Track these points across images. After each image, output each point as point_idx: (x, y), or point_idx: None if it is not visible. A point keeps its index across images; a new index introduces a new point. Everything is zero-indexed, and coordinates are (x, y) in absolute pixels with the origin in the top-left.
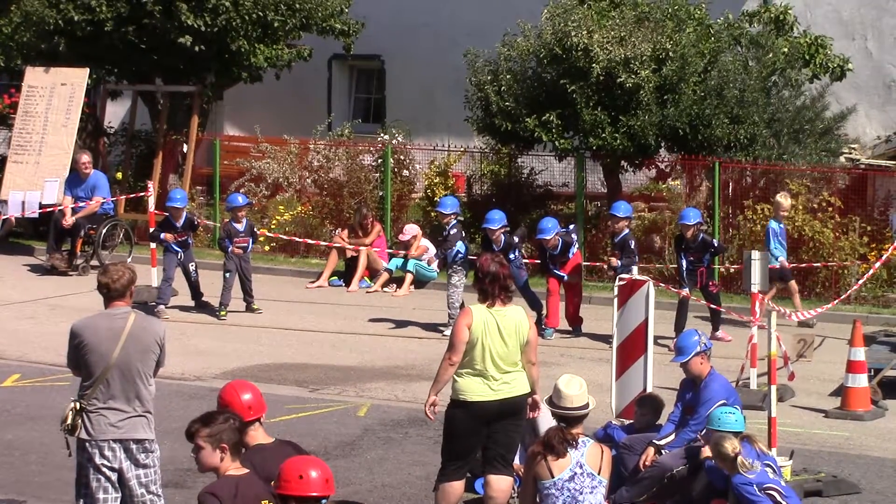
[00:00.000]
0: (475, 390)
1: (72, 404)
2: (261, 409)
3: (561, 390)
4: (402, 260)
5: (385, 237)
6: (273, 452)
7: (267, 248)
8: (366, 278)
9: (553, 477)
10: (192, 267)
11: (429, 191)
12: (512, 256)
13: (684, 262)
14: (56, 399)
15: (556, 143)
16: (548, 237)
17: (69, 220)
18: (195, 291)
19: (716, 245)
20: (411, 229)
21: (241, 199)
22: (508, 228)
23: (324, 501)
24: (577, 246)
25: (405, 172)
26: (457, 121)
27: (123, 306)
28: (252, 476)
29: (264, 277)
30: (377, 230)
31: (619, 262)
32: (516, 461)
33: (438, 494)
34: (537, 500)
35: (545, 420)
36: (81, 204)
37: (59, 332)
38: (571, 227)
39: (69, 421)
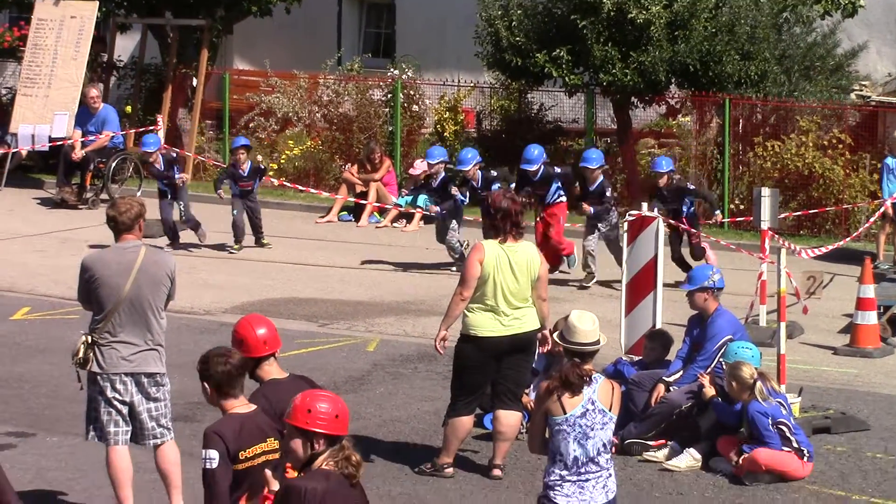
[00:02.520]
0: (486, 325)
1: (83, 338)
2: (275, 344)
3: (574, 325)
4: (411, 196)
5: (394, 172)
6: (287, 387)
7: (276, 182)
8: (375, 213)
9: (565, 413)
10: (181, 206)
11: (438, 126)
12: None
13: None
14: (66, 332)
15: (566, 78)
16: (532, 168)
17: (79, 154)
18: (173, 233)
19: (691, 188)
20: (421, 165)
21: (241, 141)
22: (484, 165)
23: (340, 440)
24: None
25: (415, 108)
26: (467, 56)
27: (134, 240)
28: (258, 414)
29: (274, 212)
30: (387, 165)
31: (593, 209)
32: (526, 396)
33: (448, 429)
34: (547, 435)
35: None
36: (91, 137)
37: (68, 266)
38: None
39: (81, 354)
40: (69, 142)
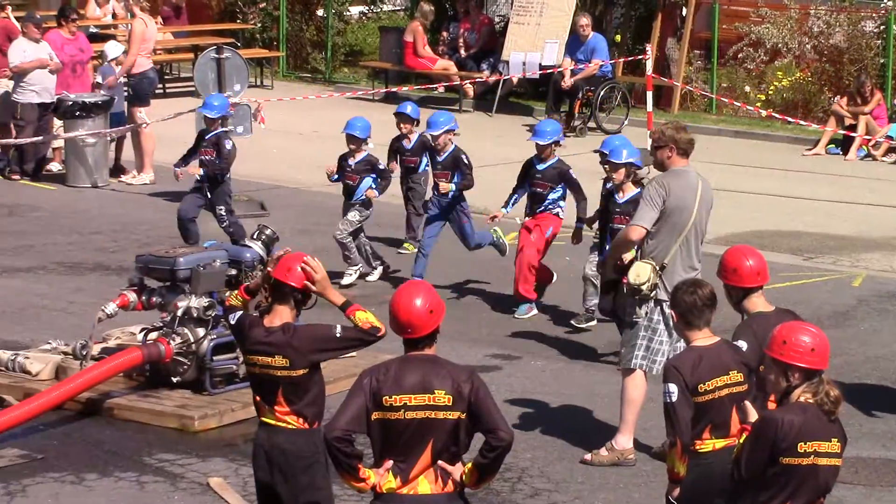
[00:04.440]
0: None
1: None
2: (765, 277)
3: None
4: None
5: (885, 105)
6: (773, 320)
7: (764, 113)
8: (864, 147)
9: None
10: (220, 211)
11: None
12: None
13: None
14: (553, 258)
15: None
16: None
17: (568, 82)
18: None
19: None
20: None
21: (409, 109)
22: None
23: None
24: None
25: None
26: None
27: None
28: (720, 346)
29: (761, 143)
30: (877, 98)
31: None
32: None
33: None
34: None
35: None
36: (580, 66)
37: None
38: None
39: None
40: (559, 70)
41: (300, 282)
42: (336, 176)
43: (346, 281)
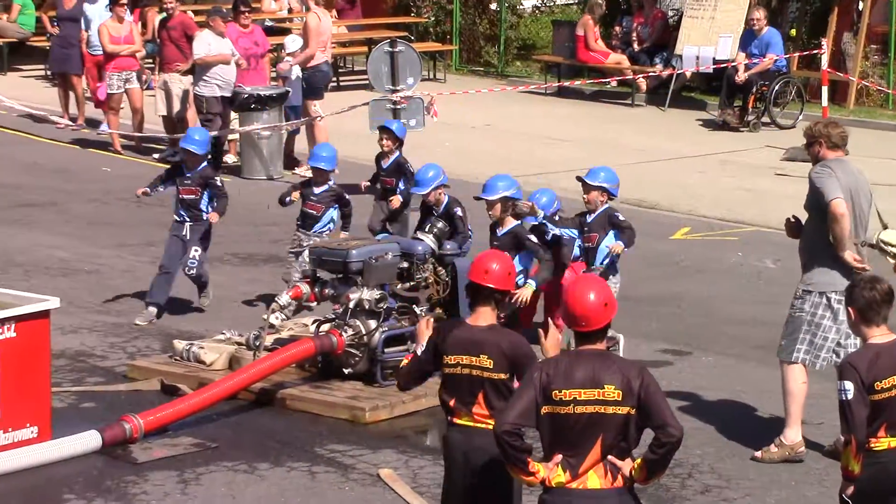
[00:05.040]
0: None
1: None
2: None
3: None
4: None
5: None
6: None
7: None
8: None
9: None
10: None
11: None
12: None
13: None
14: (723, 254)
15: None
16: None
17: (742, 77)
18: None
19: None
20: None
21: (395, 126)
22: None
23: None
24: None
25: None
26: None
27: None
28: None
29: None
30: None
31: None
32: None
33: None
34: None
35: None
36: (754, 60)
37: (728, 188)
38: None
39: None
40: (733, 64)
41: (500, 283)
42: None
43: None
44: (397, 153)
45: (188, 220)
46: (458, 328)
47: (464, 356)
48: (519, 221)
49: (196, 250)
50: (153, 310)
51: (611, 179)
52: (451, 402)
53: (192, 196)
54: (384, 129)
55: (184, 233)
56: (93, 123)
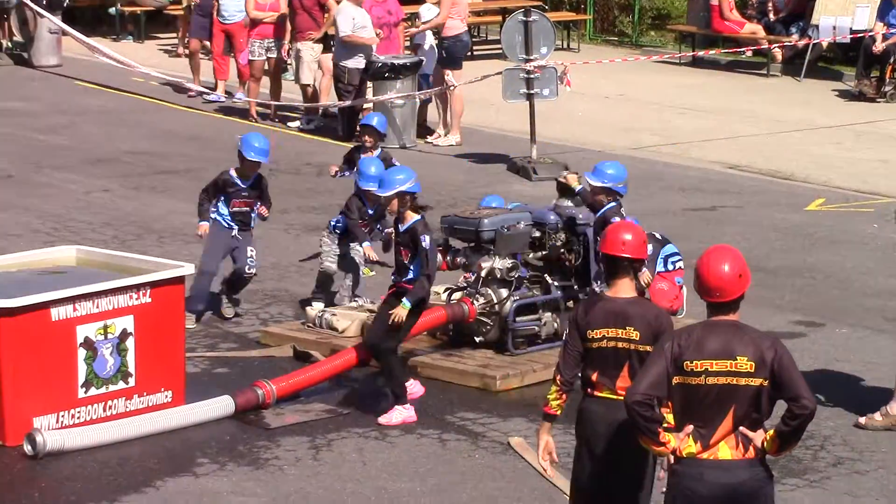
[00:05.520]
0: None
1: None
2: None
3: None
4: None
5: None
6: None
7: None
8: None
9: None
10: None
11: None
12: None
13: None
14: (858, 225)
15: None
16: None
17: (879, 47)
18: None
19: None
20: None
21: (375, 121)
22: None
23: None
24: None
25: None
26: None
27: None
28: None
29: None
30: None
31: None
32: None
33: None
34: None
35: None
36: (892, 30)
37: (864, 159)
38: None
39: None
40: (870, 34)
41: (636, 252)
42: (343, 173)
43: None
44: (379, 149)
45: (236, 226)
46: (601, 301)
47: (610, 329)
48: (420, 216)
49: (252, 250)
50: (192, 317)
51: (618, 177)
52: (594, 376)
53: (247, 208)
54: (365, 127)
55: (234, 234)
56: (228, 92)
